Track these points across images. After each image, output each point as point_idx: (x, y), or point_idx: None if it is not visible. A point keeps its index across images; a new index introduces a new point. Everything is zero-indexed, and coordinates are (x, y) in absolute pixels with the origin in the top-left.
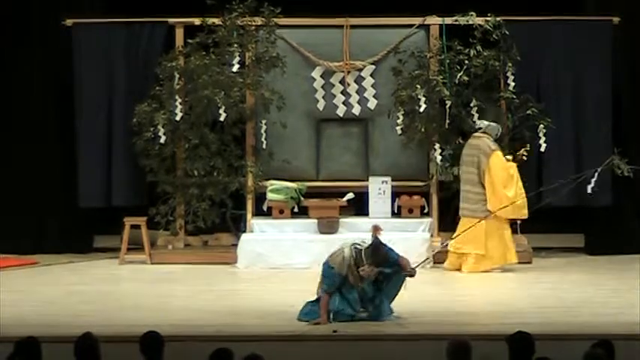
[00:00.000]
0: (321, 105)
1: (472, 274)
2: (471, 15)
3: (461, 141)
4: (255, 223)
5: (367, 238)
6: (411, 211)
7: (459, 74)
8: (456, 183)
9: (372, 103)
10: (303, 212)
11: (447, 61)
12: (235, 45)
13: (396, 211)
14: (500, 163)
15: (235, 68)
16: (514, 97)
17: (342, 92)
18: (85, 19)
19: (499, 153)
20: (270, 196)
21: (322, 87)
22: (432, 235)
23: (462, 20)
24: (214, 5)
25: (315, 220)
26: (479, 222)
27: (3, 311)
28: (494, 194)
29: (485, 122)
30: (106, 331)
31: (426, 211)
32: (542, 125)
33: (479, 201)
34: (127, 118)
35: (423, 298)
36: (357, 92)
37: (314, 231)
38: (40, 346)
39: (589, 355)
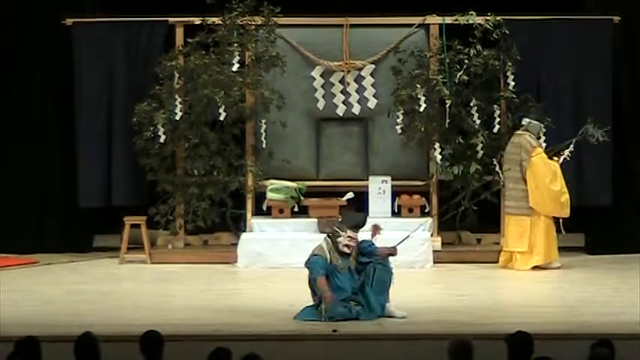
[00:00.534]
0: (320, 104)
1: (507, 271)
2: (471, 14)
3: (461, 140)
4: (255, 222)
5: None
6: (411, 210)
7: (459, 73)
8: (455, 182)
9: (371, 103)
10: (303, 212)
11: (447, 60)
12: (235, 44)
13: (396, 211)
14: (542, 160)
15: (235, 67)
16: (514, 96)
17: (341, 92)
18: (84, 19)
19: (540, 150)
20: (270, 195)
21: (322, 86)
22: (432, 235)
23: (461, 19)
24: (214, 4)
25: (315, 220)
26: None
27: (3, 311)
28: (536, 190)
29: (527, 120)
30: (106, 331)
31: (426, 210)
32: (541, 124)
33: (522, 198)
34: (126, 118)
35: (423, 298)
36: (356, 91)
37: (314, 230)
38: (40, 346)
39: (594, 356)
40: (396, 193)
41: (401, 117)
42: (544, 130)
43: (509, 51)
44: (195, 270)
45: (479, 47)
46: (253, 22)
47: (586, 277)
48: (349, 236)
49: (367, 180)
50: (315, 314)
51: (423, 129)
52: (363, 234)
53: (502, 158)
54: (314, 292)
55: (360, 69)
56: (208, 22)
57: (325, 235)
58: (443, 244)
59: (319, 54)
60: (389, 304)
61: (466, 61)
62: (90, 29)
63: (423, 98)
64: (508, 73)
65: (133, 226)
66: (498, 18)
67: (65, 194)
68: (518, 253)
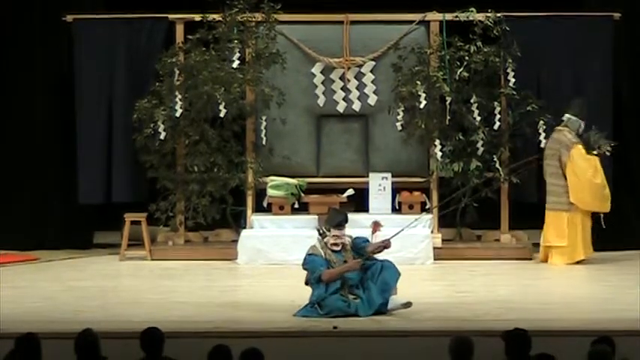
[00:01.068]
0: (321, 101)
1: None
2: (471, 11)
3: (461, 137)
4: (255, 219)
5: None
6: (411, 207)
7: (459, 70)
8: (455, 179)
9: (372, 100)
10: (303, 208)
11: (447, 57)
12: (235, 41)
13: (396, 207)
14: (582, 155)
15: (235, 64)
16: (514, 93)
17: (342, 88)
18: (85, 15)
19: (580, 146)
20: (270, 192)
21: (322, 83)
22: (432, 232)
23: (462, 16)
24: (214, 1)
25: (316, 216)
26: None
27: (3, 307)
28: (578, 184)
29: (567, 116)
30: (106, 328)
31: (427, 207)
32: (542, 121)
33: (563, 193)
34: (127, 115)
35: (423, 295)
36: (357, 88)
37: (314, 227)
38: (40, 343)
39: (595, 352)
40: (396, 190)
41: (401, 114)
42: (582, 127)
43: (510, 48)
44: (196, 266)
45: (479, 44)
46: (253, 19)
47: (587, 274)
48: (334, 235)
49: (367, 177)
50: (314, 312)
51: (423, 126)
52: (363, 230)
53: (542, 154)
54: (312, 289)
55: (361, 66)
56: (208, 19)
57: (317, 234)
58: (443, 240)
59: (319, 51)
60: (394, 297)
61: (466, 57)
62: (90, 26)
63: (423, 95)
64: (508, 70)
65: (133, 222)
66: (499, 15)
67: (65, 191)
68: (555, 249)
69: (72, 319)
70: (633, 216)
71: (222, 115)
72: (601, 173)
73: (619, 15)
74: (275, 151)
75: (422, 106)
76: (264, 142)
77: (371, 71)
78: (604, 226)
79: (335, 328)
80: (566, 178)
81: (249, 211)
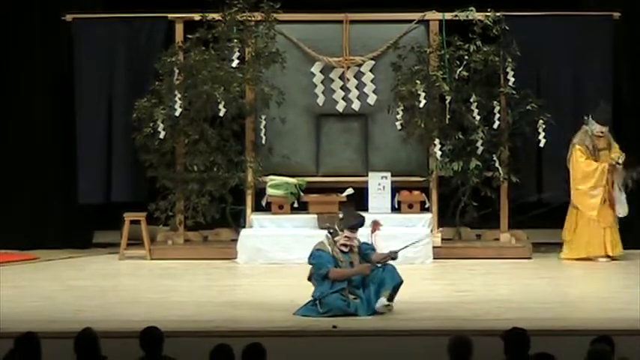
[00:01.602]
0: (320, 100)
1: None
2: (471, 10)
3: (461, 136)
4: (254, 218)
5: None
6: (411, 206)
7: (459, 69)
8: (455, 178)
9: (371, 99)
10: (302, 208)
11: (447, 56)
12: (235, 40)
13: (396, 207)
14: (576, 157)
15: (235, 63)
16: (514, 92)
17: (341, 88)
18: (85, 15)
19: (578, 147)
20: (269, 191)
21: (322, 82)
22: (432, 231)
23: (461, 15)
24: (214, 1)
25: (315, 216)
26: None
27: (3, 307)
28: (572, 185)
29: (586, 117)
30: (106, 327)
31: (426, 206)
32: (541, 121)
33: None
34: (126, 114)
35: (423, 294)
36: (356, 88)
37: (313, 226)
38: (40, 342)
39: (594, 352)
40: (395, 189)
41: (401, 113)
42: (590, 129)
43: (509, 47)
44: (195, 266)
45: (479, 43)
46: (253, 18)
47: (587, 273)
48: (346, 236)
49: (367, 176)
50: (314, 311)
51: (422, 125)
52: (363, 230)
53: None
54: (316, 285)
55: (360, 65)
56: (208, 18)
57: (326, 231)
58: (443, 239)
59: (319, 50)
60: (382, 298)
61: (466, 57)
62: (90, 25)
63: (422, 94)
64: (508, 69)
65: (132, 222)
66: (498, 14)
67: (65, 191)
68: (564, 243)
69: (72, 318)
70: (633, 216)
71: (221, 114)
72: (595, 180)
73: (618, 14)
74: (274, 150)
75: (421, 105)
76: (263, 142)
77: (370, 70)
78: (616, 227)
79: (334, 327)
80: None
81: (248, 211)
